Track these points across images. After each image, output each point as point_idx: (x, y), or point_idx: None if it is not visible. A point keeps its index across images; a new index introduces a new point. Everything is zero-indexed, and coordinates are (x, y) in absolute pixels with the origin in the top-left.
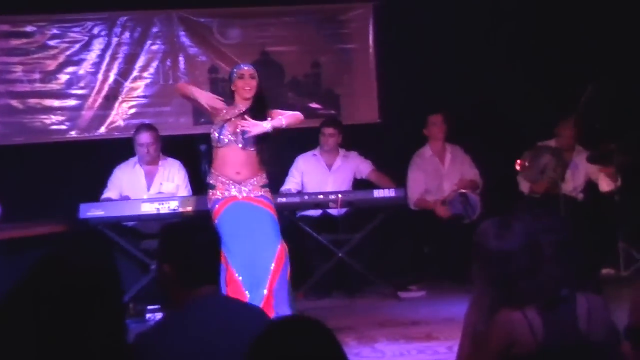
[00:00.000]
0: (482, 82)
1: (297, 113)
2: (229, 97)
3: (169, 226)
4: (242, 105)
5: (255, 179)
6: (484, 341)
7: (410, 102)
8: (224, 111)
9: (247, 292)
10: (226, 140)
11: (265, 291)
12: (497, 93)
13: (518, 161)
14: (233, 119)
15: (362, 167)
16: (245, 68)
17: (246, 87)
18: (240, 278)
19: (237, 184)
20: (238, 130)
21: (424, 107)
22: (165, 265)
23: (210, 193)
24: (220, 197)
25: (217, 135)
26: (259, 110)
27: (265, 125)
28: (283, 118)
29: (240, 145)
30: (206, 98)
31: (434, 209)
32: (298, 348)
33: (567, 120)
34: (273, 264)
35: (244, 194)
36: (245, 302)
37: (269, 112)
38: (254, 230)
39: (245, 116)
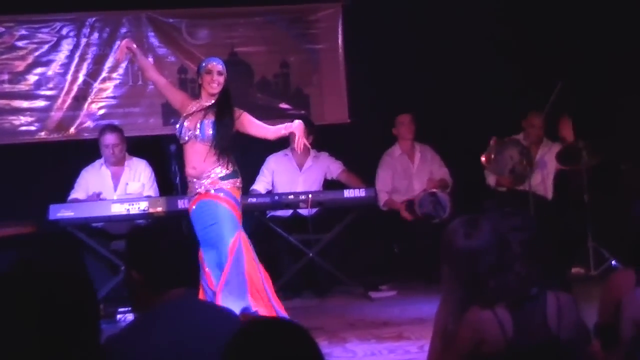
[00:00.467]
0: (451, 81)
1: (270, 132)
2: (196, 93)
3: (134, 231)
4: (206, 101)
5: (212, 170)
6: (454, 340)
7: (379, 102)
8: (190, 106)
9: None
10: (186, 137)
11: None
12: (466, 92)
13: (484, 155)
14: (193, 114)
15: (333, 167)
16: (214, 63)
17: (213, 83)
18: (210, 272)
19: (196, 179)
20: (198, 125)
21: (393, 107)
22: (132, 271)
23: (188, 190)
24: (190, 196)
25: (178, 132)
26: (224, 107)
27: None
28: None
29: (197, 140)
30: (169, 91)
31: (401, 212)
32: (273, 350)
33: (534, 113)
34: (227, 261)
35: (203, 189)
36: (216, 305)
37: (237, 112)
38: (209, 230)
39: (207, 120)
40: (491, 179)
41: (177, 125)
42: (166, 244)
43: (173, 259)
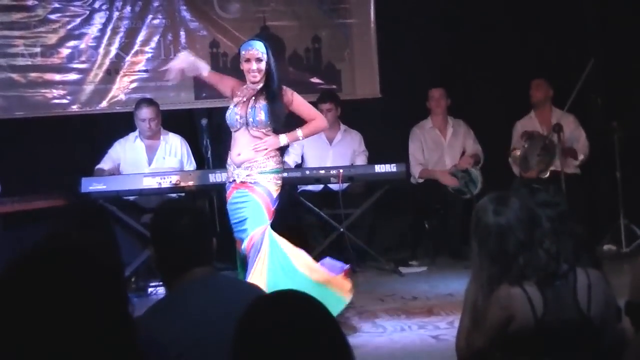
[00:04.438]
0: (483, 56)
1: (320, 119)
2: (240, 75)
3: (154, 210)
4: (252, 87)
5: (256, 162)
6: (484, 317)
7: (411, 77)
8: (239, 92)
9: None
10: (238, 125)
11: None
12: (498, 67)
13: (510, 151)
14: (242, 102)
15: (358, 153)
16: (251, 51)
17: (253, 72)
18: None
19: (236, 166)
20: (249, 110)
21: (425, 82)
22: (151, 248)
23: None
24: (229, 183)
25: (228, 120)
26: (273, 90)
27: (282, 141)
28: (300, 131)
29: (249, 127)
30: (227, 85)
31: (440, 178)
32: (285, 322)
33: (533, 80)
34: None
35: (242, 179)
36: (243, 281)
37: (288, 93)
38: (240, 224)
39: (257, 105)
40: (516, 170)
41: (228, 113)
42: (180, 224)
43: (187, 240)
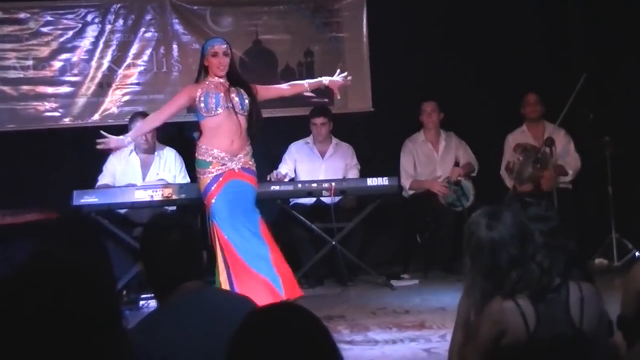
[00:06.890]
0: (475, 69)
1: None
2: (201, 76)
3: (145, 225)
4: (217, 80)
5: (246, 149)
6: (476, 331)
7: (404, 91)
8: (200, 90)
9: (254, 269)
10: (220, 110)
11: (274, 267)
12: (490, 80)
13: (505, 164)
14: (219, 89)
15: (350, 167)
16: (218, 45)
17: (220, 65)
18: (243, 258)
19: (232, 156)
20: (235, 96)
21: (418, 96)
22: (141, 264)
23: (202, 172)
24: (216, 174)
25: (204, 105)
26: (246, 84)
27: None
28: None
29: (236, 111)
30: (178, 103)
31: (430, 187)
32: (280, 336)
33: (527, 95)
34: (264, 238)
35: (240, 166)
36: (234, 293)
37: (250, 85)
38: (242, 212)
39: (240, 92)
40: (509, 182)
41: (204, 98)
42: (169, 240)
43: (177, 256)
